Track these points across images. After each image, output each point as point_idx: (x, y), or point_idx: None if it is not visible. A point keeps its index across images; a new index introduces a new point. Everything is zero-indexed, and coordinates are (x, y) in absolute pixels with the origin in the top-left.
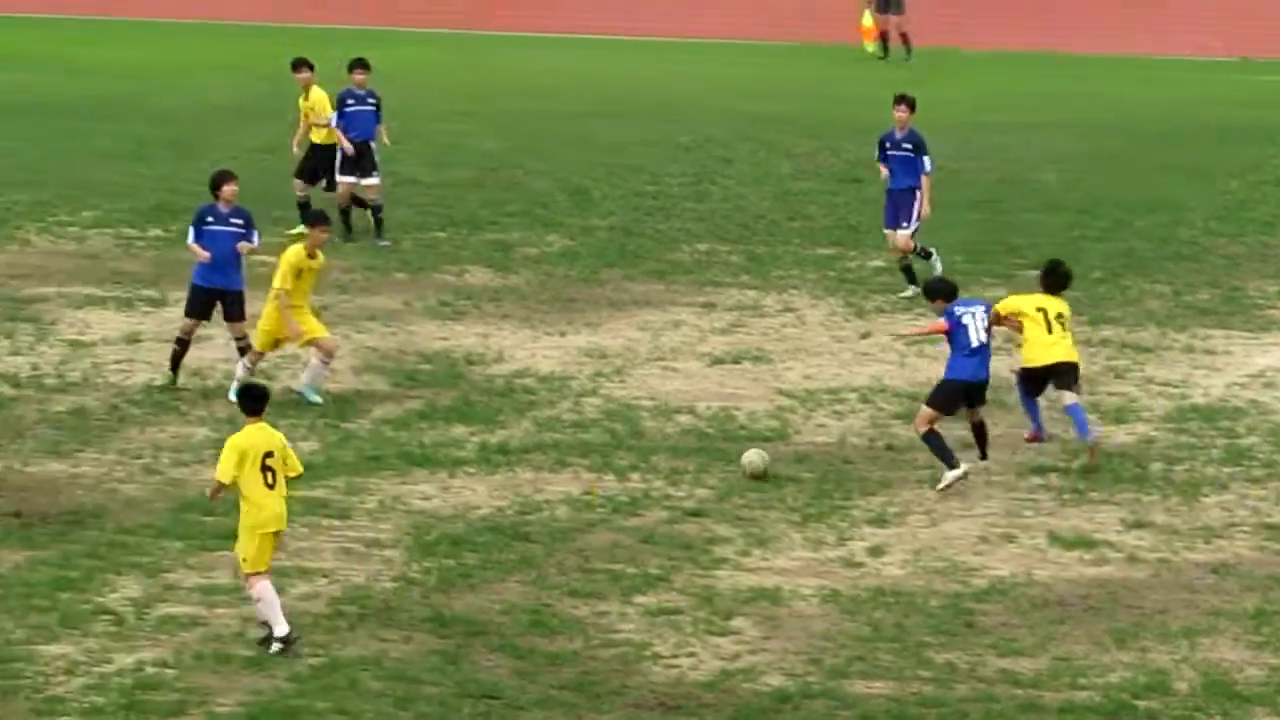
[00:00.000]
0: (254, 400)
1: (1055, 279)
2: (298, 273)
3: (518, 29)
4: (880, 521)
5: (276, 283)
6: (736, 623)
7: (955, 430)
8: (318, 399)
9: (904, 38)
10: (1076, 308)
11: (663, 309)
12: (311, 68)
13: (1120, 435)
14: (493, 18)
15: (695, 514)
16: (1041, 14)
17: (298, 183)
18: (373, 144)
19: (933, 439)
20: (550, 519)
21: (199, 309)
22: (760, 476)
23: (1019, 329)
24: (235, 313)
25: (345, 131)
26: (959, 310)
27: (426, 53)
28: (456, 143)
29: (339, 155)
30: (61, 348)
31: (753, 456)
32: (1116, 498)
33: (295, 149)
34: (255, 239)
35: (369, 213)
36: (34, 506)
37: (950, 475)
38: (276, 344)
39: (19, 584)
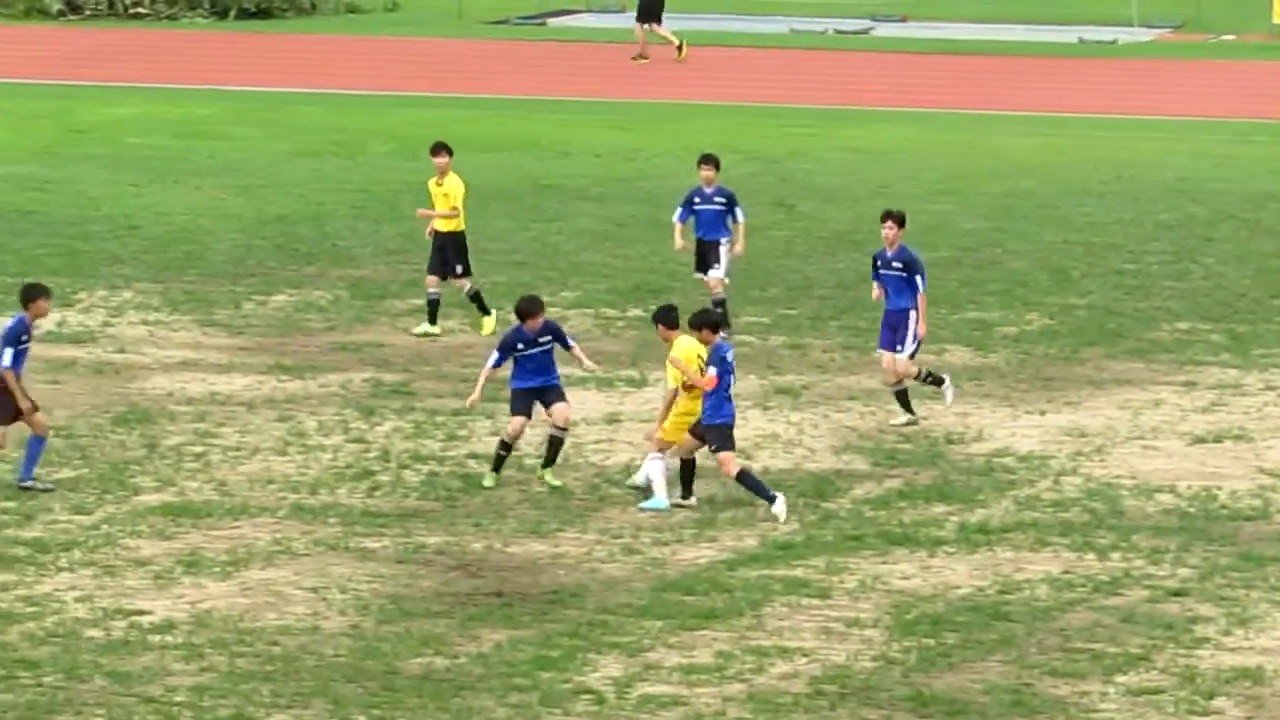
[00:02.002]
0: None
1: None
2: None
3: (1003, 108)
4: None
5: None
6: (1218, 703)
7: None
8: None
9: None
10: None
11: (1143, 388)
12: (451, 153)
13: None
14: (977, 96)
15: (1177, 593)
16: None
17: (431, 279)
18: (722, 242)
19: (746, 478)
20: (1031, 598)
21: (523, 408)
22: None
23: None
24: (552, 398)
25: (694, 230)
26: (727, 348)
27: (911, 132)
28: (938, 223)
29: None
30: (543, 429)
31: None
32: None
33: (428, 236)
34: (572, 344)
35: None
36: (515, 586)
37: (777, 508)
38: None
39: (500, 663)
